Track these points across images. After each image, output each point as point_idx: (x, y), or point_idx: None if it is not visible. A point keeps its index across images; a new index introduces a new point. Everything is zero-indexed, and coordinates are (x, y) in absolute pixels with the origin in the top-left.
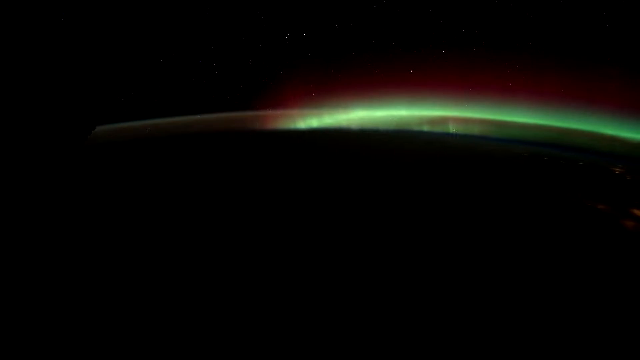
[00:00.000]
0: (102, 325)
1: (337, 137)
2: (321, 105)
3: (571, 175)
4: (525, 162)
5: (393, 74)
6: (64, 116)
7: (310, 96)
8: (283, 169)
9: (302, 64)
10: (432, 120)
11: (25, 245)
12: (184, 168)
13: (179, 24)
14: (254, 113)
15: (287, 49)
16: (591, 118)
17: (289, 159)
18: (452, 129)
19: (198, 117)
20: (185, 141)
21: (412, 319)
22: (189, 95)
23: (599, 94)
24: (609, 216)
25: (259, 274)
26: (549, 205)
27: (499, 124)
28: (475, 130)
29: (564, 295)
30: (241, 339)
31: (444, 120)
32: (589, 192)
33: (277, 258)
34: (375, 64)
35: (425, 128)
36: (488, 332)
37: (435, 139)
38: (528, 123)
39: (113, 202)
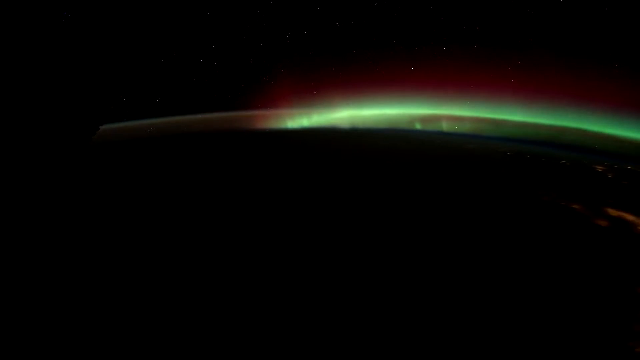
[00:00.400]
0: (103, 323)
1: (337, 136)
2: (322, 103)
3: (551, 173)
4: (507, 161)
5: (394, 71)
6: (69, 116)
7: (311, 94)
8: (283, 168)
9: (303, 63)
10: (423, 119)
11: (30, 244)
12: (185, 167)
13: (180, 24)
14: (255, 112)
15: (289, 47)
16: (582, 116)
17: (288, 158)
18: (442, 127)
19: (200, 116)
20: (187, 140)
21: (400, 311)
22: (191, 94)
23: (591, 92)
24: (580, 216)
25: (254, 271)
26: (519, 205)
27: (489, 122)
28: (465, 128)
29: (522, 291)
30: (232, 334)
31: (434, 118)
32: (565, 191)
33: (271, 255)
34: (377, 63)
35: (416, 127)
36: (454, 322)
37: (424, 138)
38: (519, 121)
39: (116, 202)
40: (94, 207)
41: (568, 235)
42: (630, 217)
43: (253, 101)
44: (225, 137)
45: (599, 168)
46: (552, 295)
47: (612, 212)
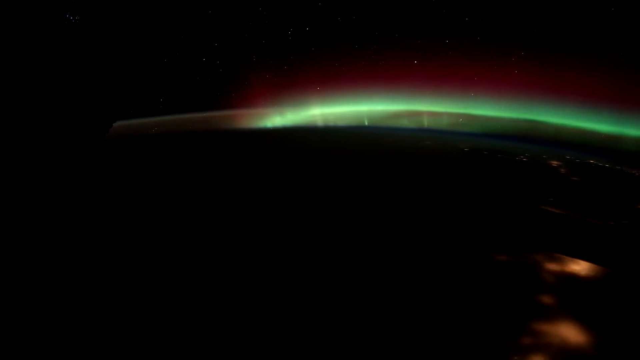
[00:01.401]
0: (104, 320)
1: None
2: (323, 101)
3: (499, 170)
4: (459, 158)
5: (396, 67)
6: (83, 114)
7: (315, 91)
8: (284, 168)
9: (306, 59)
10: (395, 115)
11: (38, 239)
12: (186, 166)
13: (182, 23)
14: (257, 110)
15: (291, 44)
16: (553, 109)
17: (287, 158)
18: (411, 123)
19: (203, 114)
20: (190, 139)
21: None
22: (194, 93)
23: (563, 85)
24: (518, 212)
25: (249, 267)
26: (447, 201)
27: (458, 117)
28: (435, 123)
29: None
30: (220, 331)
31: (405, 114)
32: (511, 188)
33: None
34: (380, 57)
35: (385, 123)
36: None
37: (387, 134)
38: (491, 116)
39: (118, 200)
40: (99, 203)
41: (480, 234)
42: None
43: (255, 99)
44: (228, 136)
45: (555, 163)
46: (435, 299)
47: (551, 209)
